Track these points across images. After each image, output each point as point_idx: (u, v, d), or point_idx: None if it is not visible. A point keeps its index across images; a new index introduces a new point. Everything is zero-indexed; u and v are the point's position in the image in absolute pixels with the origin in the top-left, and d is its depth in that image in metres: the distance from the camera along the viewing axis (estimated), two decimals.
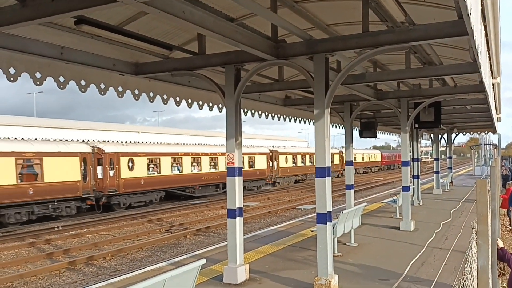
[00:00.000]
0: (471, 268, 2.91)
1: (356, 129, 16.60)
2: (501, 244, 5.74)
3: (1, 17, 4.90)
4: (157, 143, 34.34)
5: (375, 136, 15.98)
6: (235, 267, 7.49)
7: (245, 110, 11.37)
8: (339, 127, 17.47)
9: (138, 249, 15.24)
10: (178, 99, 9.02)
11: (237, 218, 7.56)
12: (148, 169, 27.16)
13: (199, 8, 5.26)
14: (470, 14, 3.83)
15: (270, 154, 39.54)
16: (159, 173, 27.78)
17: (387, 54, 9.17)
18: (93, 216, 22.96)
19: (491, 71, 9.22)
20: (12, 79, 6.13)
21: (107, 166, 24.69)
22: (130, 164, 25.94)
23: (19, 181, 20.26)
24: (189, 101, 9.38)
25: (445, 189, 24.28)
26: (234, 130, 7.55)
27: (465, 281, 2.59)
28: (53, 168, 21.46)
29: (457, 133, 27.67)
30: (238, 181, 7.58)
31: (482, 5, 5.33)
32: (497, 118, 19.79)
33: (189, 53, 7.47)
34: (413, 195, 17.21)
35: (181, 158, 29.54)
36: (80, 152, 23.36)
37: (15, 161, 20.06)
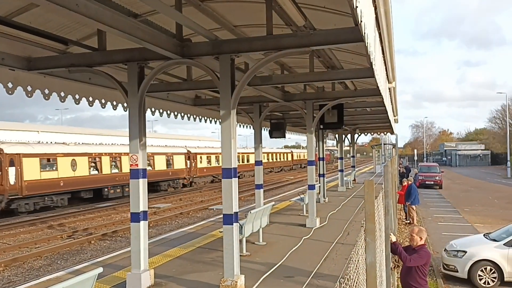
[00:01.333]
0: (356, 266, 3.05)
1: (266, 129, 16.93)
2: (393, 238, 6.16)
3: None
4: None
5: (284, 136, 16.42)
6: (138, 273, 7.21)
7: (153, 109, 11.03)
8: (250, 127, 17.70)
9: (36, 258, 14.13)
10: (77, 96, 8.46)
11: (141, 222, 7.28)
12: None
13: (96, 2, 4.96)
14: (361, 21, 4.02)
15: (188, 154, 39.42)
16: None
17: (294, 57, 9.46)
18: None
19: (387, 76, 9.89)
20: None
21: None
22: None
23: None
24: (90, 99, 8.84)
25: (349, 186, 25.77)
26: (138, 130, 7.26)
27: (348, 278, 2.70)
28: None
29: (359, 134, 29.50)
30: (142, 183, 7.31)
31: (376, 13, 5.66)
32: (394, 119, 21.38)
33: (89, 48, 7.04)
34: (319, 192, 18.00)
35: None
36: None
37: None
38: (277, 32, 6.43)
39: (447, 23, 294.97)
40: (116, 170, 30.14)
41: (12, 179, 22.81)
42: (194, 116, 13.63)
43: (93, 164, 28.51)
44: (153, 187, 34.05)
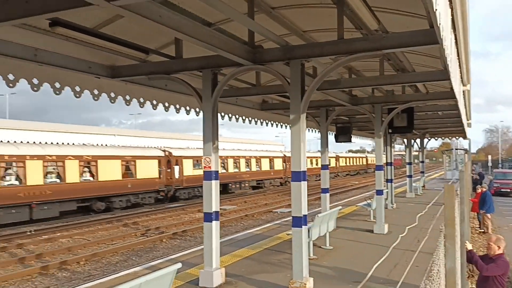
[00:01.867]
0: (438, 270, 3.02)
1: (332, 133, 16.83)
2: (469, 246, 5.94)
3: None
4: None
5: (350, 141, 16.24)
6: (211, 270, 7.50)
7: (222, 114, 11.40)
8: (315, 131, 17.67)
9: (113, 254, 15.04)
10: (155, 102, 8.98)
11: (213, 222, 7.57)
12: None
13: (176, 13, 5.28)
14: (440, 24, 3.98)
15: (284, 157, 44.98)
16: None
17: (362, 61, 9.38)
18: (66, 220, 22.55)
19: (461, 78, 9.53)
20: None
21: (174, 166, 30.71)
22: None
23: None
24: (166, 104, 9.35)
25: (418, 192, 24.82)
26: (211, 134, 7.57)
27: (432, 282, 2.70)
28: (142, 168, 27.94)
29: (429, 138, 28.34)
30: (214, 184, 7.60)
31: (452, 15, 5.53)
32: (467, 124, 20.37)
33: (166, 56, 7.46)
34: (387, 198, 17.55)
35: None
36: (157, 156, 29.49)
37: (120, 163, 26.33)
38: (347, 36, 6.44)
39: None
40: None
41: (176, 174, 30.95)
42: (261, 120, 13.87)
43: (222, 165, 36.00)
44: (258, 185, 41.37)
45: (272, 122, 14.66)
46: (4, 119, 37.46)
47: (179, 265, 5.06)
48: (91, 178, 24.76)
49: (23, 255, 14.84)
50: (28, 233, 18.61)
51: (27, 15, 4.52)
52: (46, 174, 22.35)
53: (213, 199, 7.55)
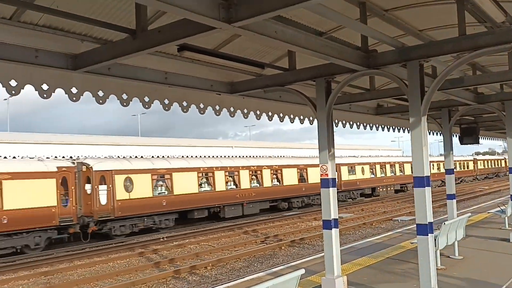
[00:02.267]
0: None
1: (456, 135, 15.68)
2: None
3: (116, 50, 5.54)
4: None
5: (478, 142, 14.94)
6: (332, 278, 7.50)
7: (336, 121, 11.36)
8: (437, 134, 16.65)
9: (236, 259, 15.78)
10: (270, 114, 9.33)
11: (333, 230, 7.57)
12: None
13: (290, 27, 5.47)
14: None
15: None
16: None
17: (487, 56, 8.67)
18: (194, 227, 24.22)
19: None
20: (124, 104, 6.85)
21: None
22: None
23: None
24: (281, 115, 9.65)
25: None
26: (326, 142, 7.63)
27: None
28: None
29: None
30: (332, 192, 7.62)
31: None
32: None
33: (280, 69, 7.73)
34: None
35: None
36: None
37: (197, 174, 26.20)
38: (469, 31, 6.04)
39: None
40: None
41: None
42: (376, 125, 13.51)
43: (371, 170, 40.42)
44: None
45: (388, 126, 14.19)
46: (137, 137, 41.69)
47: (302, 271, 5.19)
48: (278, 183, 31.29)
49: (158, 259, 16.31)
50: (161, 240, 20.39)
51: (160, 43, 5.06)
52: (251, 181, 29.36)
53: (331, 206, 7.57)
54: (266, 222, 25.23)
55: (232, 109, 8.60)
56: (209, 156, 32.45)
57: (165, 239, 20.49)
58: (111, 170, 22.03)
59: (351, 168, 38.32)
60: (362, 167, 39.74)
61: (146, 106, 7.16)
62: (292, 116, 9.93)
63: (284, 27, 5.26)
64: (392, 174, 43.87)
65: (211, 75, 7.75)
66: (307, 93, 8.11)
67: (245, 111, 8.83)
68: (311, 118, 10.27)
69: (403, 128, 14.87)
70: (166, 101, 7.41)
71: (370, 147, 63.00)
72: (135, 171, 22.90)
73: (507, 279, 7.93)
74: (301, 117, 10.17)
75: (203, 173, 26.46)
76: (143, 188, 22.80)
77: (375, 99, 10.47)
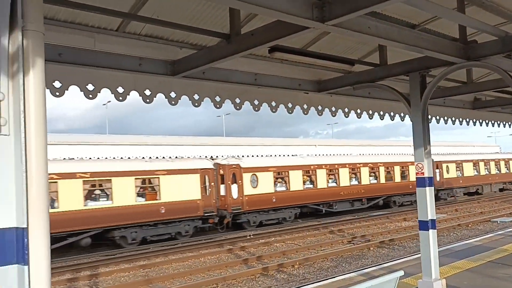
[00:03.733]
0: None
1: None
2: None
3: (212, 54, 5.79)
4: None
5: None
6: (430, 281, 7.17)
7: (429, 116, 10.81)
8: None
9: (323, 259, 15.67)
10: (359, 111, 9.14)
11: (430, 231, 7.23)
12: None
13: (383, 21, 5.34)
14: None
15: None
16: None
17: None
18: (278, 226, 24.47)
19: None
20: (218, 106, 7.12)
21: None
22: None
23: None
24: (370, 112, 9.40)
25: None
26: (421, 139, 7.31)
27: None
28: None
29: None
30: (428, 191, 7.28)
31: None
32: None
33: (370, 65, 7.56)
34: None
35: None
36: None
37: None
38: None
39: None
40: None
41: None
42: (473, 120, 12.65)
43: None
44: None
45: (486, 121, 13.22)
46: (222, 137, 43.07)
47: (401, 272, 5.03)
48: (376, 181, 31.54)
49: (246, 256, 16.71)
50: (248, 237, 20.87)
51: (253, 46, 5.21)
52: (350, 178, 30.01)
53: (428, 206, 7.24)
54: (352, 222, 24.75)
55: (320, 107, 8.56)
56: (308, 155, 33.48)
57: (251, 236, 20.94)
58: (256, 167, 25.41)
59: (455, 165, 37.50)
60: (466, 164, 38.75)
61: (237, 107, 7.38)
62: (382, 113, 9.64)
63: (377, 22, 5.14)
64: (497, 172, 42.39)
65: (299, 74, 7.78)
66: (399, 88, 7.83)
67: (333, 109, 8.74)
68: (402, 114, 9.90)
69: (503, 123, 13.77)
70: (256, 102, 7.57)
71: (463, 143, 59.02)
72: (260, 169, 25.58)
73: None
74: (392, 114, 9.83)
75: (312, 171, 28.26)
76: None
77: (473, 92, 9.83)
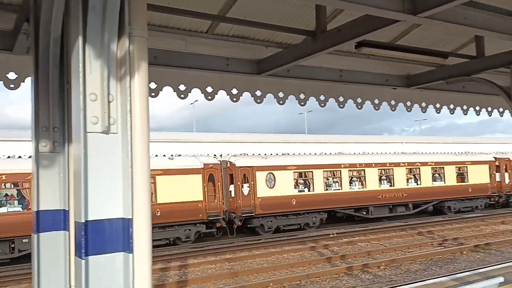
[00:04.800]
0: None
1: None
2: None
3: (297, 52, 5.81)
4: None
5: None
6: None
7: None
8: None
9: (410, 261, 15.06)
10: (452, 106, 8.61)
11: None
12: None
13: (481, 10, 4.98)
14: None
15: None
16: None
17: None
18: (363, 225, 23.89)
19: None
20: (302, 103, 7.12)
21: None
22: None
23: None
24: (464, 107, 8.81)
25: None
26: None
27: None
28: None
29: None
30: None
31: None
32: None
33: (465, 57, 7.09)
34: None
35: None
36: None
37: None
38: None
39: None
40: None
41: (507, 180, 31.46)
42: None
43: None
44: None
45: None
46: (304, 134, 42.96)
47: (501, 278, 4.70)
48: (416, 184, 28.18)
49: (329, 255, 16.56)
50: (331, 235, 20.64)
51: (340, 43, 5.15)
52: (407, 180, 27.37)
53: None
54: (443, 224, 23.42)
55: (408, 103, 8.20)
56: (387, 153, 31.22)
57: (335, 235, 20.68)
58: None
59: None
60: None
61: (322, 104, 7.32)
62: (478, 108, 8.99)
63: (475, 11, 4.81)
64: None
65: (386, 69, 7.51)
66: (498, 81, 7.25)
67: (423, 104, 8.33)
68: (500, 110, 9.16)
69: None
70: (341, 99, 7.45)
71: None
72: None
73: None
74: (489, 109, 9.13)
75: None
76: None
77: None
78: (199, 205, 20.38)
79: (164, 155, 23.17)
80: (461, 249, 16.51)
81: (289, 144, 34.35)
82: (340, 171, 24.96)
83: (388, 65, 7.50)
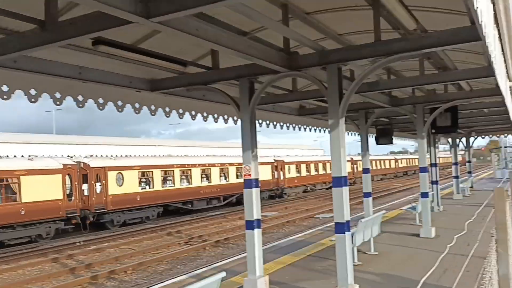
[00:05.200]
0: (490, 277, 2.90)
1: (372, 136, 16.51)
2: None
3: (23, 41, 5.09)
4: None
5: (391, 143, 15.88)
6: (254, 279, 7.50)
7: (260, 121, 11.44)
8: (355, 134, 17.41)
9: (158, 262, 15.36)
10: (193, 113, 9.14)
11: (255, 230, 7.58)
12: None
13: (212, 25, 5.37)
14: (481, 21, 3.83)
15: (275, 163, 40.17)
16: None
17: (402, 61, 9.17)
18: (112, 230, 23.22)
19: (507, 74, 9.12)
20: (33, 100, 6.32)
21: None
22: None
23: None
24: (205, 114, 9.49)
25: (466, 194, 23.90)
26: (249, 142, 7.61)
27: None
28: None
29: (475, 137, 27.27)
30: (255, 192, 7.62)
31: (494, 10, 5.32)
32: None
33: (203, 67, 7.58)
34: (433, 201, 16.99)
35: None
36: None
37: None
38: (383, 37, 6.32)
39: None
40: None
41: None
42: (299, 126, 13.81)
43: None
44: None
45: (310, 127, 14.57)
46: (51, 134, 39.19)
47: (223, 274, 5.09)
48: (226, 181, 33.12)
49: (74, 265, 15.39)
50: (78, 244, 19.30)
51: (72, 36, 4.72)
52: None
53: (254, 206, 7.57)
54: (191, 223, 24.87)
55: (153, 107, 8.30)
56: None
57: (81, 243, 19.41)
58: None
59: (296, 167, 41.53)
60: (303, 165, 42.77)
61: (58, 102, 6.67)
62: (216, 116, 9.82)
63: (206, 25, 5.14)
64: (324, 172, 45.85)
65: (130, 71, 7.40)
66: (230, 92, 8.04)
67: (167, 109, 8.57)
68: (235, 118, 10.23)
69: (324, 129, 15.35)
70: (80, 98, 6.96)
71: (294, 147, 64.69)
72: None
73: (418, 272, 8.42)
74: (225, 117, 10.09)
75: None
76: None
77: (298, 100, 10.69)
78: (59, 203, 21.32)
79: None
80: (204, 246, 17.85)
81: (33, 145, 30.79)
82: (173, 170, 28.96)
83: (132, 67, 7.38)
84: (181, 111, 8.86)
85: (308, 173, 43.47)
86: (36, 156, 24.51)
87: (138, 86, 7.62)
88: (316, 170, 44.94)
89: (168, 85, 7.77)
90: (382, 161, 63.21)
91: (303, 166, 42.89)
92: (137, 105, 7.97)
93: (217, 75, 7.41)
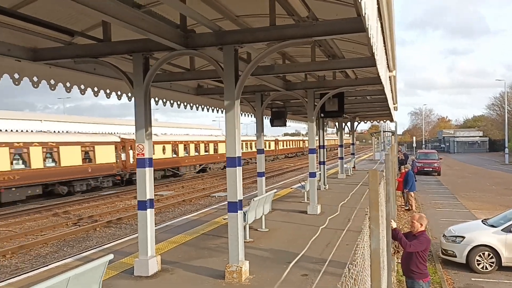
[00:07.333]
0: (362, 252, 3.20)
1: (267, 118, 17.05)
2: (394, 225, 6.33)
3: None
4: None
5: (285, 125, 16.57)
6: (146, 259, 7.40)
7: (156, 99, 11.14)
8: (251, 116, 17.81)
9: (42, 245, 14.38)
10: (83, 87, 8.56)
11: (148, 210, 7.45)
12: None
13: None
14: (365, 14, 4.12)
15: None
16: None
17: (295, 47, 9.54)
18: None
19: (388, 65, 9.98)
20: None
21: None
22: None
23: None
24: (95, 89, 8.94)
25: (349, 173, 25.95)
26: (143, 121, 7.39)
27: (355, 266, 2.86)
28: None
29: (359, 122, 29.61)
30: (148, 172, 7.46)
31: (378, 3, 5.75)
32: (394, 107, 21.46)
33: (93, 39, 7.13)
34: (320, 180, 18.17)
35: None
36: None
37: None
38: (279, 22, 6.51)
39: (430, 14, 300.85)
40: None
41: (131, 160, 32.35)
42: (197, 106, 13.73)
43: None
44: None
45: (208, 107, 14.56)
46: None
47: (110, 256, 4.94)
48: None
49: None
50: None
51: None
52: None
53: (147, 186, 7.41)
54: (80, 203, 23.58)
55: (35, 79, 7.60)
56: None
57: None
58: None
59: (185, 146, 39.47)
60: (201, 145, 41.78)
61: None
62: (108, 91, 9.32)
63: None
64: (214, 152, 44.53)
65: (8, 38, 6.69)
66: (124, 67, 7.68)
67: (52, 82, 7.91)
68: (129, 95, 9.82)
69: (222, 109, 15.46)
70: None
71: (192, 126, 64.27)
72: None
73: (304, 247, 8.98)
74: (119, 93, 9.63)
75: None
76: None
77: (195, 79, 10.57)
78: None
79: None
80: (95, 226, 17.07)
81: None
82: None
83: (11, 33, 6.68)
84: (68, 84, 8.24)
85: (175, 155, 37.86)
86: None
87: (17, 54, 6.94)
88: (187, 151, 40.02)
89: (52, 56, 7.18)
90: (289, 142, 70.50)
91: (168, 147, 36.42)
92: (16, 76, 7.24)
93: (108, 48, 7.03)
